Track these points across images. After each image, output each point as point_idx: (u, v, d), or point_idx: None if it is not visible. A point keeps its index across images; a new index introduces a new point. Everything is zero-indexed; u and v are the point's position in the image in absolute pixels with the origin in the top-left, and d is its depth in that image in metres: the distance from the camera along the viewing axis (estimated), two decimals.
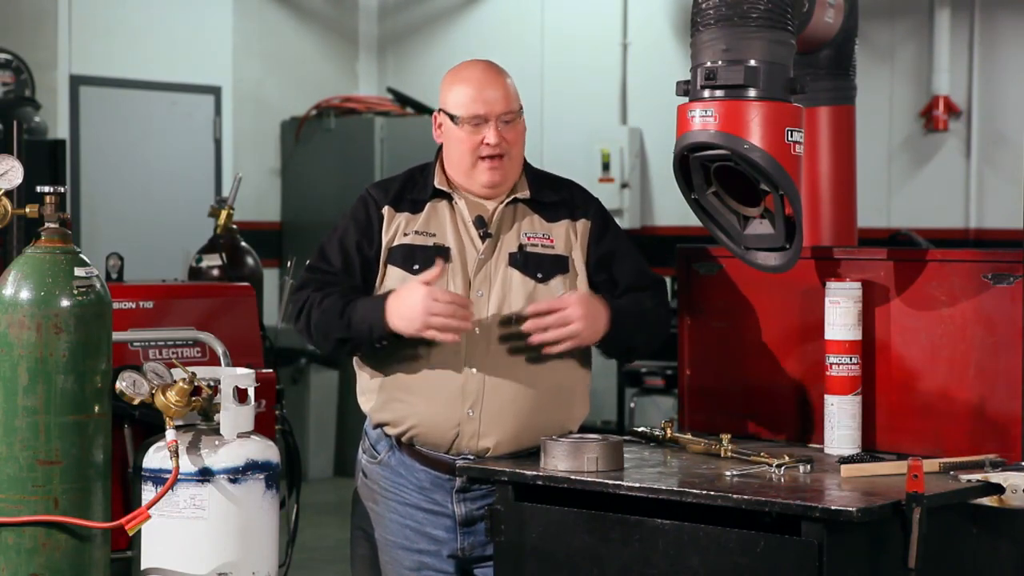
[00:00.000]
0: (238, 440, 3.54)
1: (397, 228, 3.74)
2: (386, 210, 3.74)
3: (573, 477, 3.45)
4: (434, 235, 3.71)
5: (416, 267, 3.68)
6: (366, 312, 3.62)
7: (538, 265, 3.70)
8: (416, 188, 3.77)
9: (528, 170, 3.82)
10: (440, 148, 3.81)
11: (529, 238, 3.73)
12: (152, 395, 3.52)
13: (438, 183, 3.75)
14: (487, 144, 3.68)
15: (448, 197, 3.75)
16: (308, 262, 3.82)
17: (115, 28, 9.73)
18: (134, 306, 4.38)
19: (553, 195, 3.79)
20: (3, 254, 4.47)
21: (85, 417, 3.37)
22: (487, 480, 3.62)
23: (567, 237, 3.76)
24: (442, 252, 3.69)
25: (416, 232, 3.72)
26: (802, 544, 3.13)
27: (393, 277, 3.71)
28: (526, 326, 3.60)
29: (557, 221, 3.76)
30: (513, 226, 3.74)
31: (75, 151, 9.45)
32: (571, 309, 3.60)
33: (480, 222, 3.72)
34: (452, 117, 3.71)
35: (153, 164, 9.92)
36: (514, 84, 3.77)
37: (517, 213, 3.76)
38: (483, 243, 3.71)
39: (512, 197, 3.75)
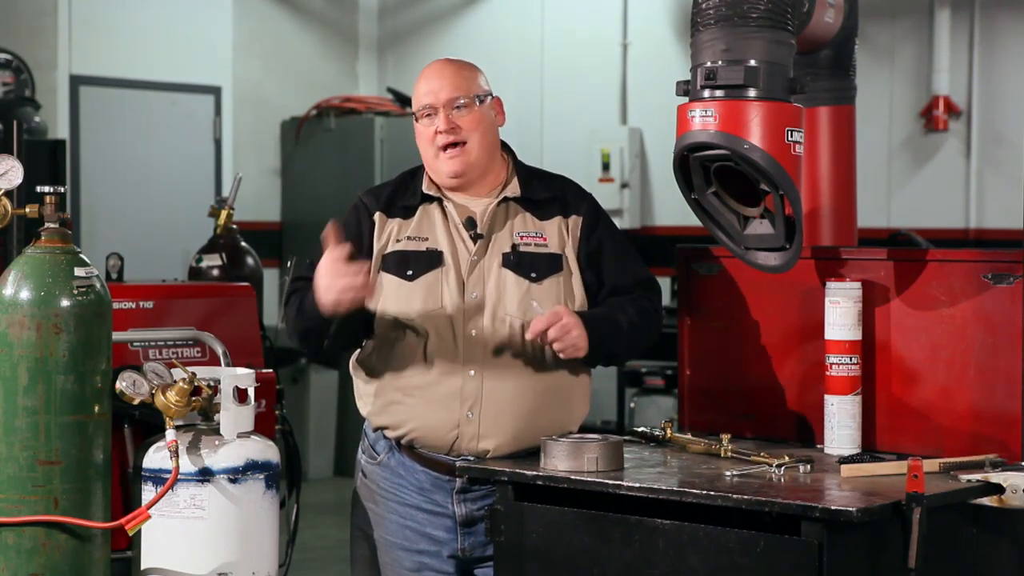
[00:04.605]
0: (238, 440, 3.54)
1: (390, 234, 3.73)
2: (378, 216, 3.74)
3: (573, 477, 3.45)
4: (426, 239, 3.71)
5: (410, 272, 3.67)
6: (313, 300, 3.60)
7: (532, 265, 3.69)
8: (407, 193, 3.77)
9: (518, 167, 3.81)
10: None
11: (522, 237, 3.72)
12: (152, 395, 3.52)
13: (426, 187, 3.74)
14: (439, 132, 3.68)
15: (439, 200, 3.75)
16: (292, 272, 3.83)
17: (115, 28, 9.73)
18: (134, 306, 4.38)
19: (544, 191, 3.77)
20: (3, 254, 4.47)
21: (85, 417, 3.37)
22: (487, 480, 3.62)
23: (560, 234, 3.74)
24: (435, 256, 3.69)
25: (408, 237, 3.71)
26: (802, 544, 3.13)
27: (389, 285, 3.69)
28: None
29: (550, 218, 3.75)
30: (505, 225, 3.72)
31: (75, 151, 9.45)
32: (567, 318, 3.56)
33: (470, 223, 3.71)
34: (414, 116, 3.74)
35: (153, 164, 9.92)
36: (473, 75, 3.74)
37: (509, 212, 3.74)
38: (475, 244, 3.70)
39: (502, 196, 3.75)
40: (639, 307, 3.72)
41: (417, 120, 3.73)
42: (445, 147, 3.68)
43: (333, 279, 3.52)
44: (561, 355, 3.60)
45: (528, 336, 3.57)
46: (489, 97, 3.76)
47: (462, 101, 3.69)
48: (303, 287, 3.70)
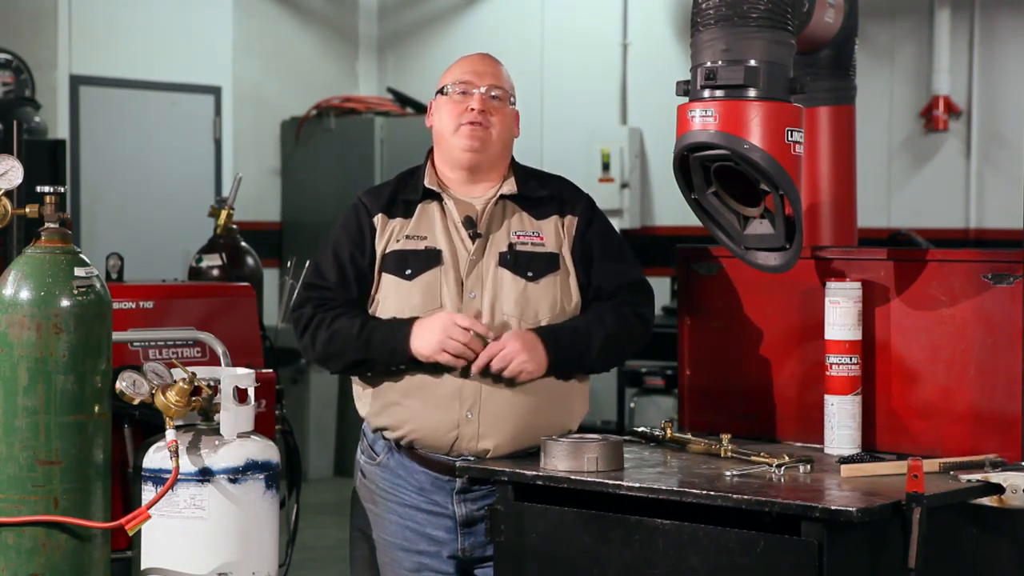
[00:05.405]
0: (238, 440, 3.53)
1: (391, 234, 3.73)
2: (379, 218, 3.74)
3: (573, 477, 3.45)
4: (425, 238, 3.71)
5: (409, 272, 3.68)
6: (389, 335, 3.62)
7: (528, 264, 3.69)
8: (407, 190, 3.77)
9: (515, 167, 3.82)
10: (430, 151, 3.82)
11: (519, 236, 3.72)
12: (152, 395, 3.52)
13: (428, 183, 3.75)
14: (470, 110, 3.70)
15: (438, 198, 3.75)
16: (303, 279, 3.83)
17: (115, 28, 9.73)
18: (134, 306, 4.39)
19: (541, 189, 3.78)
20: (3, 254, 4.47)
21: (85, 417, 3.37)
22: (487, 480, 3.62)
23: (557, 234, 3.75)
24: (434, 255, 3.69)
25: (407, 237, 3.72)
26: (802, 544, 3.13)
27: (388, 285, 3.70)
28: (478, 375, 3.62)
29: (546, 218, 3.76)
30: (503, 225, 3.73)
31: (75, 151, 9.45)
32: (508, 347, 3.58)
33: (469, 222, 3.71)
34: (442, 90, 3.76)
35: (153, 164, 9.92)
36: (511, 78, 3.81)
37: (507, 211, 3.75)
38: (473, 243, 3.71)
39: (499, 194, 3.75)
40: (619, 314, 3.71)
41: (445, 94, 3.75)
42: (471, 123, 3.70)
43: (452, 337, 3.56)
44: (516, 380, 3.61)
45: (473, 371, 3.59)
46: (515, 105, 3.80)
47: (499, 92, 3.74)
48: (320, 304, 3.70)
